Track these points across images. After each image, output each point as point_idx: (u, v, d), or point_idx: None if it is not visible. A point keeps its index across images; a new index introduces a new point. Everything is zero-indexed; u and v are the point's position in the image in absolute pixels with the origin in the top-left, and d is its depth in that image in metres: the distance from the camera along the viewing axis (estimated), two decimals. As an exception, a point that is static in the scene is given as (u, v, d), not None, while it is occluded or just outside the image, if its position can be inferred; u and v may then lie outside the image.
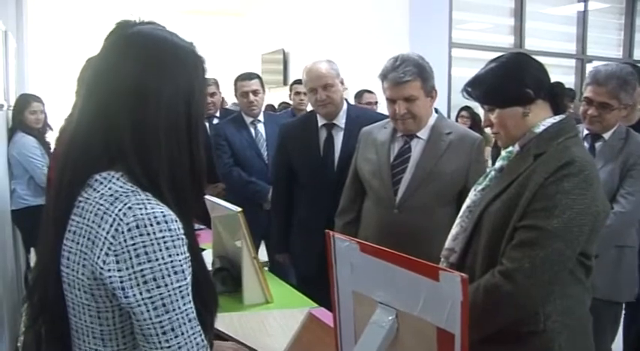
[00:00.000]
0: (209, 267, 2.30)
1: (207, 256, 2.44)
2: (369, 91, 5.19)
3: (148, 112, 1.01)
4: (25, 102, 4.47)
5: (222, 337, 1.74)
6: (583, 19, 7.03)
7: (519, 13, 6.60)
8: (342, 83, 2.85)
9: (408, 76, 2.21)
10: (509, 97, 1.60)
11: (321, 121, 2.87)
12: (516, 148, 1.67)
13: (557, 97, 1.64)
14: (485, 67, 1.66)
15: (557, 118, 1.61)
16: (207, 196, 2.48)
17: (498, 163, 1.71)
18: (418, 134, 2.33)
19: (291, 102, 5.27)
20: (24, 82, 5.81)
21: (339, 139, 2.83)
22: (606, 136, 2.46)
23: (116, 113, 1.01)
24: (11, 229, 4.29)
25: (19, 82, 5.28)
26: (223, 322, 1.84)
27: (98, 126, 1.02)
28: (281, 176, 3.07)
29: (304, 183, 2.95)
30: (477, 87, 1.66)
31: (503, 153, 1.73)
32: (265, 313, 2.02)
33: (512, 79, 1.60)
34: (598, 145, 2.47)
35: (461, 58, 6.15)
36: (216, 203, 2.35)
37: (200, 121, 1.10)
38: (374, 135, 2.45)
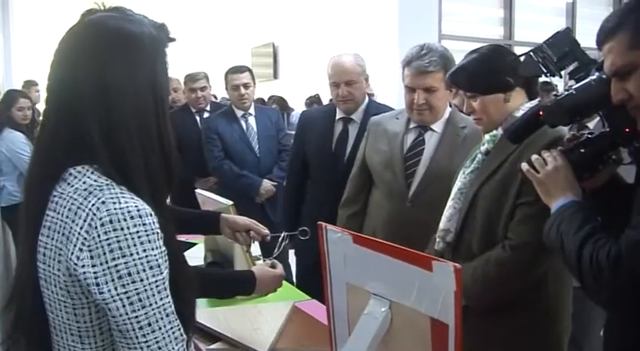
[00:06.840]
0: (201, 261, 2.30)
1: (199, 251, 2.43)
2: None
3: (114, 104, 0.98)
4: (11, 98, 4.44)
5: (211, 333, 1.73)
6: (572, 10, 7.06)
7: (509, 5, 6.62)
8: (366, 80, 2.81)
9: (433, 66, 2.16)
10: (493, 84, 1.71)
11: (339, 114, 2.85)
12: (499, 131, 1.75)
13: (530, 84, 1.76)
14: (468, 58, 1.76)
15: (534, 102, 1.72)
16: (198, 190, 2.46)
17: (484, 147, 1.79)
18: (433, 127, 2.26)
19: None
20: (11, 76, 5.75)
21: (353, 133, 2.78)
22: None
23: (81, 110, 0.98)
24: (1, 226, 4.25)
25: (7, 77, 5.23)
26: (214, 317, 1.83)
27: (64, 123, 0.99)
28: (296, 165, 3.08)
29: (313, 175, 2.95)
30: (463, 75, 1.75)
31: (487, 136, 1.79)
32: (258, 307, 2.01)
33: (495, 68, 1.72)
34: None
35: (451, 50, 6.14)
36: (208, 197, 2.34)
37: (166, 107, 1.06)
38: (384, 125, 2.37)
